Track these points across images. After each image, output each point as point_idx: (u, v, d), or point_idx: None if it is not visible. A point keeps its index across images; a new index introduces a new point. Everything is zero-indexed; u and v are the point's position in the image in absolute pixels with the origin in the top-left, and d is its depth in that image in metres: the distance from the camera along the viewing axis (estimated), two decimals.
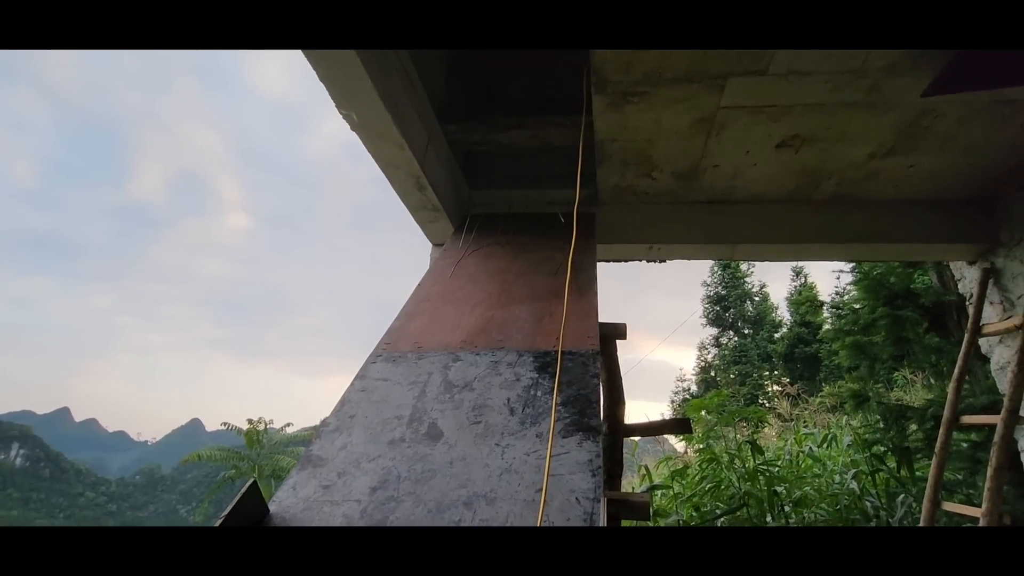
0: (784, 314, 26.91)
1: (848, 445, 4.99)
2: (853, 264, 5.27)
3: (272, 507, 1.39)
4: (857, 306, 5.36)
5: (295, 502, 1.41)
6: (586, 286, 2.38)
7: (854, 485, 4.36)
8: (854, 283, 5.35)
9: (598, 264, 2.72)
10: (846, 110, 2.62)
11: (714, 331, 28.03)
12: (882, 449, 4.47)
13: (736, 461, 4.45)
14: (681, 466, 5.17)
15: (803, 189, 3.32)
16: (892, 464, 4.33)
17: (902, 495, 4.13)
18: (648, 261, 3.74)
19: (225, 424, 20.29)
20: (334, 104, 2.27)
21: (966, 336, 3.33)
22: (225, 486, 17.97)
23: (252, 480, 1.40)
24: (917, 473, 4.12)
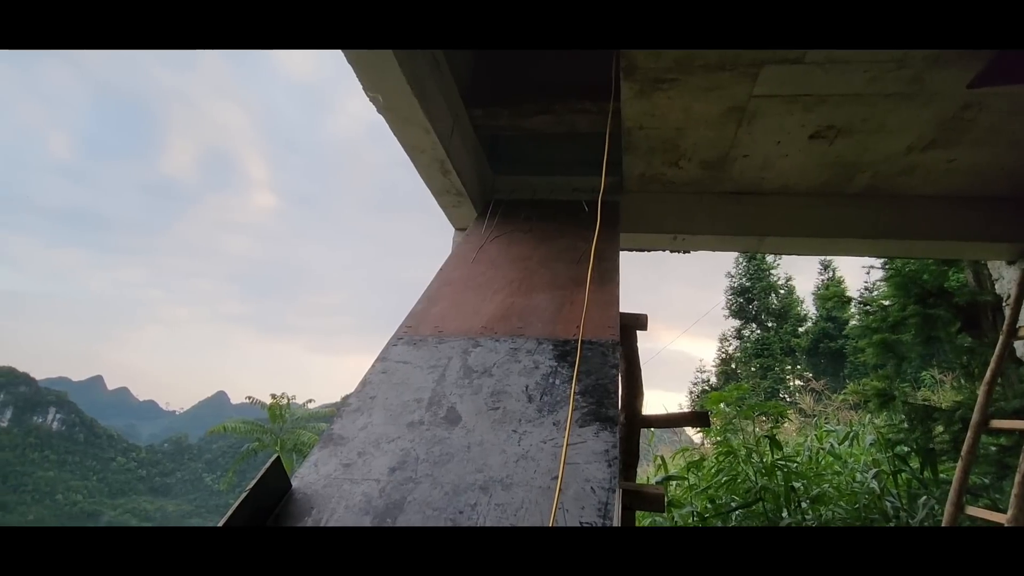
0: (810, 308, 26.39)
1: (870, 444, 4.90)
2: (884, 260, 5.12)
3: (294, 482, 1.43)
4: (887, 303, 5.21)
5: (316, 479, 1.45)
6: (608, 275, 2.37)
7: (875, 484, 4.29)
8: (885, 279, 5.21)
9: (620, 252, 2.70)
10: (885, 101, 2.53)
11: (736, 323, 27.65)
12: (906, 449, 4.38)
13: (754, 455, 4.41)
14: (697, 458, 5.14)
15: (835, 182, 3.23)
16: (915, 465, 4.24)
17: (924, 497, 4.05)
18: (672, 251, 3.70)
19: (249, 398, 20.87)
20: (361, 86, 2.27)
21: (1001, 338, 3.22)
22: (249, 457, 18.55)
23: (276, 455, 1.45)
24: (941, 476, 4.04)
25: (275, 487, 1.38)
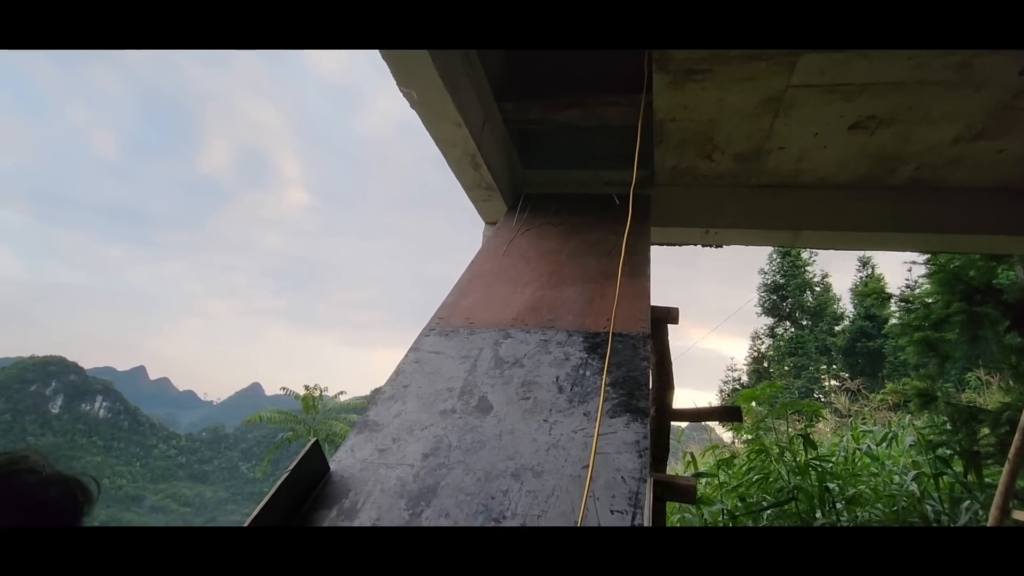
0: (847, 306, 25.62)
1: (910, 445, 4.76)
2: (928, 255, 4.94)
3: (332, 466, 1.48)
4: (929, 300, 5.03)
5: (353, 463, 1.50)
6: (639, 269, 2.36)
7: (914, 487, 4.16)
8: (928, 275, 5.01)
9: (652, 247, 2.68)
10: (930, 89, 2.44)
11: (769, 321, 27.06)
12: (948, 452, 4.24)
13: (786, 454, 4.33)
14: (728, 455, 5.07)
15: (876, 174, 3.13)
16: (958, 468, 4.10)
17: (967, 501, 3.91)
18: (704, 245, 3.65)
19: (283, 389, 21.44)
20: (395, 82, 2.32)
21: None
22: (283, 447, 19.07)
23: (315, 440, 1.50)
24: (986, 479, 3.89)
25: (314, 469, 1.43)
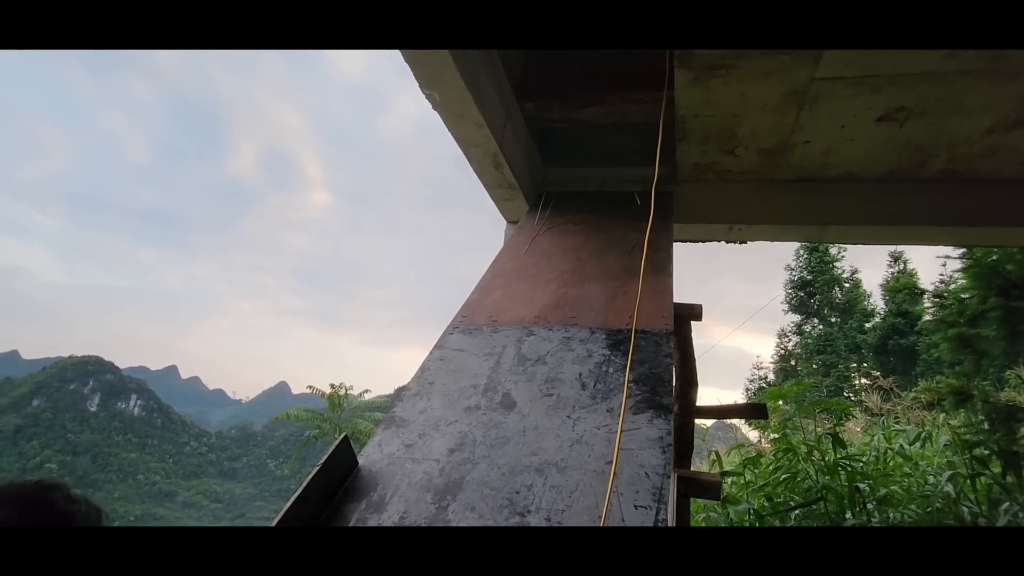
0: (877, 302, 24.93)
1: (945, 445, 4.62)
2: (963, 250, 4.79)
3: (361, 460, 1.52)
4: (964, 295, 4.87)
5: (380, 457, 1.54)
6: (661, 266, 2.35)
7: (950, 488, 4.04)
8: (962, 270, 4.86)
9: (674, 244, 2.67)
10: (962, 78, 2.38)
11: (796, 318, 26.52)
12: (985, 452, 4.10)
13: (815, 453, 4.25)
14: (754, 454, 5.00)
15: (906, 167, 3.05)
16: (997, 469, 3.96)
17: (1006, 503, 3.78)
18: (727, 242, 3.61)
19: (310, 387, 21.82)
20: (418, 84, 2.35)
21: None
22: (309, 445, 19.41)
23: (344, 435, 1.54)
24: None
25: (343, 463, 1.47)
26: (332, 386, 20.57)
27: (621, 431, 1.48)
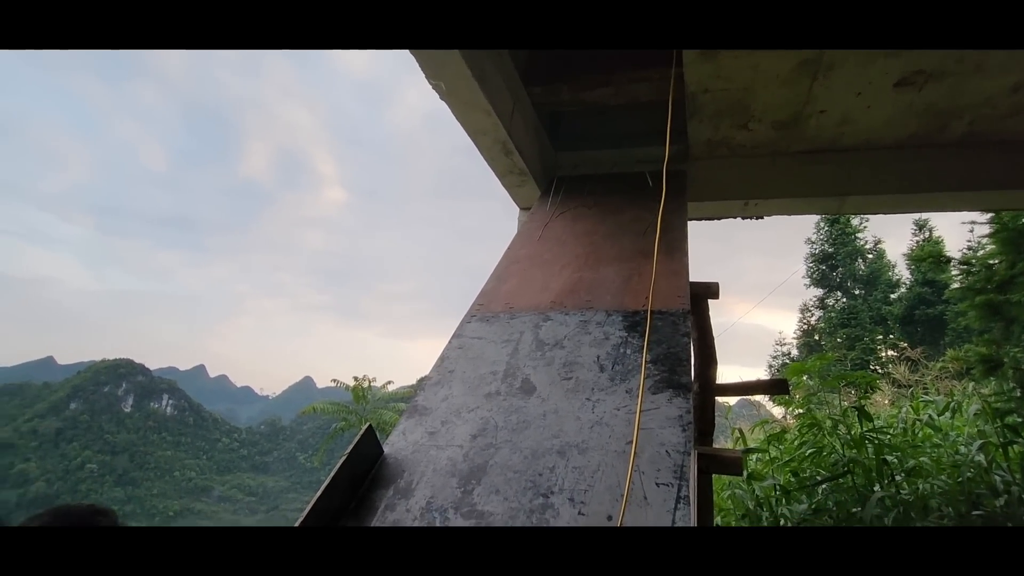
0: (903, 272, 24.37)
1: (975, 414, 4.53)
2: (990, 214, 4.65)
3: (386, 448, 1.56)
4: (992, 261, 4.75)
5: (405, 445, 1.57)
6: (676, 245, 2.34)
7: (981, 457, 3.97)
8: (990, 235, 4.73)
9: (689, 223, 2.65)
10: None
11: (819, 292, 26.10)
12: (1018, 420, 4.02)
13: (840, 427, 4.21)
14: (778, 430, 4.97)
15: (927, 131, 2.97)
16: None
17: None
18: (743, 218, 3.56)
19: (334, 381, 22.18)
20: (424, 75, 2.35)
21: None
22: (337, 437, 19.79)
23: (368, 425, 1.58)
24: None
25: (369, 452, 1.51)
26: (356, 379, 20.88)
27: (640, 411, 1.49)
